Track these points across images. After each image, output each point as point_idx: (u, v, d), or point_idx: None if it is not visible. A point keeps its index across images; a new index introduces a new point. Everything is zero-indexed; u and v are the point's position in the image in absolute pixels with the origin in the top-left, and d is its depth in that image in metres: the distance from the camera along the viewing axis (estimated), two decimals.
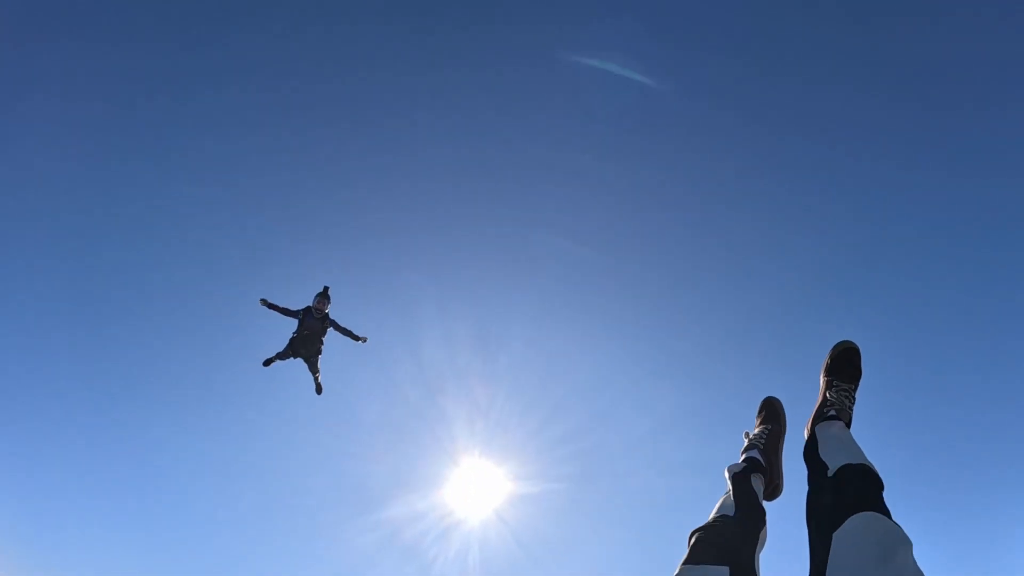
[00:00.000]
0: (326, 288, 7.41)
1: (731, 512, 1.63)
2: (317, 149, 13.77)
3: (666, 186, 14.00)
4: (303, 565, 15.99)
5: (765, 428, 1.96)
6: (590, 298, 14.94)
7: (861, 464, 1.54)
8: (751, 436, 1.98)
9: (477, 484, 13.72)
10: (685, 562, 1.45)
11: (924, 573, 1.20)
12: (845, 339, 1.86)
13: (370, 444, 15.56)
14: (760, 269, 14.08)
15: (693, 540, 1.52)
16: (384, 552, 14.65)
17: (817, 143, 13.35)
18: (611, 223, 14.25)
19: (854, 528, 1.33)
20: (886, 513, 1.36)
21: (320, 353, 7.60)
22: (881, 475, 1.52)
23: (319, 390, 7.85)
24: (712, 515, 1.66)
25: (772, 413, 2.00)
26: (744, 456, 1.89)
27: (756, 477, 1.80)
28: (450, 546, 13.68)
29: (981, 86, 12.10)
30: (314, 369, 7.72)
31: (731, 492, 1.72)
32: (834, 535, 1.33)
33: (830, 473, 1.56)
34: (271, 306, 7.26)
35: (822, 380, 1.91)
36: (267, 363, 7.48)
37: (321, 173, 13.98)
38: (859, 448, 1.65)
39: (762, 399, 2.06)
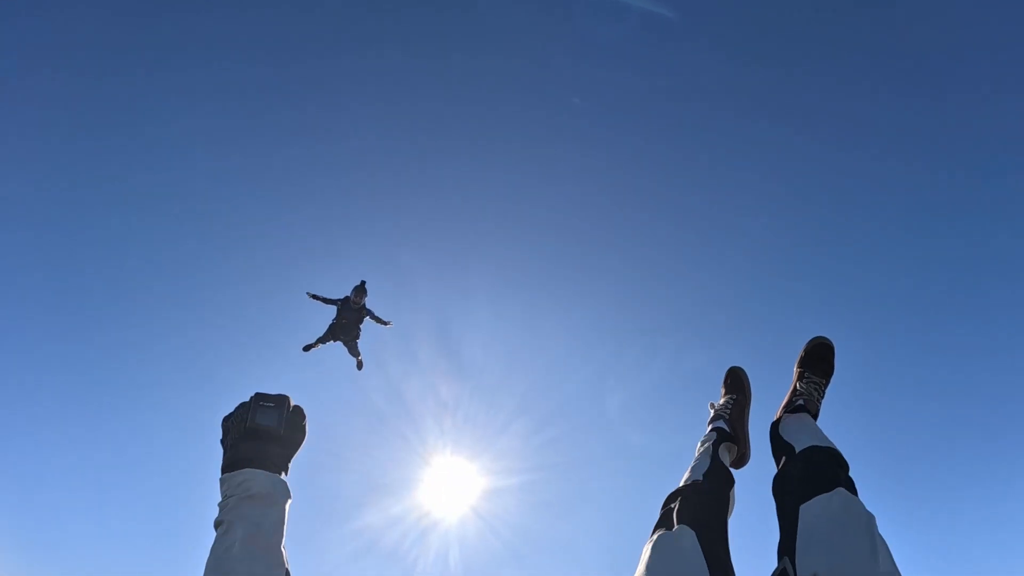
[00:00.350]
0: (363, 283, 8.28)
1: (700, 477, 1.67)
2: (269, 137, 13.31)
3: (627, 173, 14.07)
4: None
5: (731, 398, 2.02)
6: (549, 283, 15.02)
7: (828, 447, 1.62)
8: (717, 406, 2.03)
9: (451, 482, 13.68)
10: (658, 527, 1.49)
11: (887, 545, 1.25)
12: (822, 335, 1.93)
13: (337, 453, 15.29)
14: (727, 250, 14.19)
15: (666, 507, 1.56)
16: (364, 561, 14.46)
17: (789, 130, 13.46)
18: (568, 209, 14.31)
19: (821, 502, 1.38)
20: (850, 488, 1.43)
21: (358, 337, 8.50)
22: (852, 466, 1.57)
23: (360, 366, 8.74)
24: (683, 481, 1.70)
25: (737, 383, 2.05)
26: (711, 426, 1.94)
27: (724, 446, 1.85)
28: (430, 547, 13.60)
29: (948, 74, 12.45)
30: (354, 352, 8.58)
31: (700, 460, 1.77)
32: (801, 507, 1.39)
33: (797, 452, 1.64)
34: (315, 297, 8.16)
35: (795, 371, 1.96)
36: (307, 348, 8.29)
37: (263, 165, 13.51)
38: (825, 435, 1.71)
39: (727, 369, 2.11)
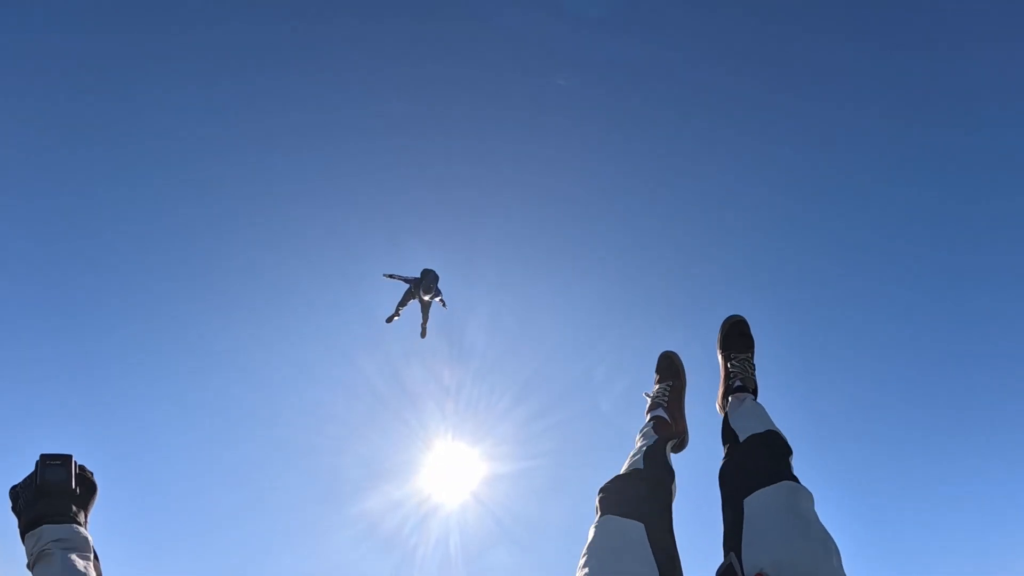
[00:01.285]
0: (436, 280, 9.05)
1: (641, 466, 1.65)
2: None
3: (623, 156, 13.97)
4: (283, 569, 15.76)
5: (666, 385, 2.00)
6: (553, 271, 14.90)
7: (768, 431, 1.61)
8: (652, 394, 2.01)
9: (452, 468, 13.68)
10: (602, 513, 1.45)
11: (829, 532, 1.26)
12: (731, 314, 1.98)
13: (339, 437, 15.35)
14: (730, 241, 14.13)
15: (604, 493, 1.53)
16: (364, 545, 14.53)
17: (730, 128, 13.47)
18: (573, 196, 14.19)
19: (767, 494, 1.37)
20: (792, 478, 1.42)
21: (430, 306, 9.31)
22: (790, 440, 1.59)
23: (423, 334, 9.43)
24: (624, 469, 1.67)
25: (671, 369, 2.06)
26: (650, 416, 1.92)
27: (663, 434, 1.83)
28: (430, 532, 13.65)
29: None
30: (425, 318, 9.33)
31: (639, 450, 1.74)
32: (745, 501, 1.38)
33: (740, 441, 1.63)
34: (392, 276, 8.78)
35: (719, 357, 1.98)
36: (389, 320, 9.00)
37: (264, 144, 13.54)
38: (767, 416, 1.72)
39: (659, 355, 2.11)
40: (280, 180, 14.31)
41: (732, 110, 13.48)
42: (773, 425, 1.64)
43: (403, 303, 9.29)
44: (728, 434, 1.71)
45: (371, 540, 14.44)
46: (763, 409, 1.75)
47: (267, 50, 13.18)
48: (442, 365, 13.71)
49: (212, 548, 16.39)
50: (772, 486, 1.37)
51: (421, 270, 9.05)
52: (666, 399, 1.93)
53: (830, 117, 12.99)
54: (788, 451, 1.53)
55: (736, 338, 1.93)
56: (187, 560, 15.96)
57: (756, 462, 1.49)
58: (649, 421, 1.88)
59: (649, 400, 1.98)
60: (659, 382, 2.03)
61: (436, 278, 9.04)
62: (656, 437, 1.76)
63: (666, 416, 1.88)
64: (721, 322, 1.97)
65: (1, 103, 12.29)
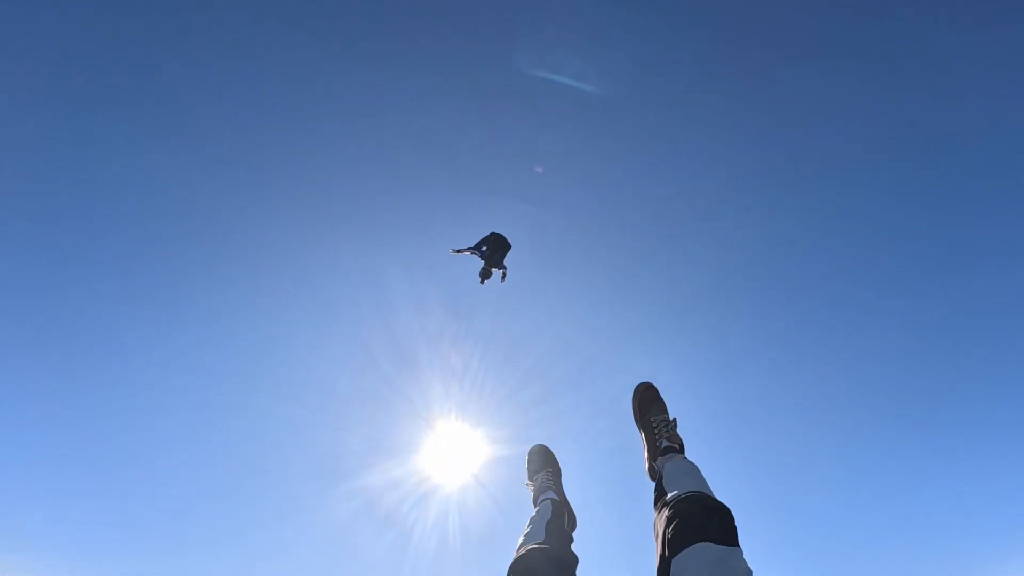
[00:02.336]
0: (505, 247, 8.73)
1: (542, 539, 1.76)
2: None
3: (632, 152, 13.98)
4: (280, 539, 15.86)
5: (548, 471, 2.17)
6: (563, 260, 14.73)
7: (695, 492, 1.62)
8: (536, 482, 2.17)
9: (454, 448, 13.60)
10: None
11: None
12: (638, 383, 2.05)
13: (341, 413, 15.32)
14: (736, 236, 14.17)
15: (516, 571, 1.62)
16: (362, 522, 14.55)
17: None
18: (584, 186, 14.05)
19: (691, 555, 1.41)
20: (720, 538, 1.43)
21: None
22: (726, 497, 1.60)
23: (503, 278, 8.96)
24: (523, 545, 1.74)
25: (546, 459, 2.23)
26: (543, 497, 2.05)
27: (561, 512, 1.96)
28: (429, 512, 13.61)
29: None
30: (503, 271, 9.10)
31: (540, 527, 1.84)
32: (673, 561, 1.43)
33: (669, 500, 1.66)
34: (459, 251, 8.51)
35: (638, 427, 2.03)
36: (457, 251, 8.71)
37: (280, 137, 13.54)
38: (698, 473, 1.76)
39: (528, 451, 2.29)
40: (286, 144, 14.17)
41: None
42: (704, 484, 1.69)
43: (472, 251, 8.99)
44: (660, 495, 1.74)
45: (369, 516, 14.47)
46: (693, 466, 1.78)
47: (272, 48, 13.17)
48: (450, 345, 13.57)
49: (207, 518, 16.54)
50: (696, 545, 1.41)
51: (491, 237, 8.53)
52: (552, 482, 2.07)
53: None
54: (719, 510, 1.52)
55: (650, 402, 2.01)
56: (184, 527, 16.11)
57: (683, 523, 1.51)
58: (544, 502, 1.99)
59: (533, 487, 2.11)
60: (537, 472, 2.17)
61: (504, 253, 8.64)
62: (552, 513, 1.88)
63: (558, 497, 2.01)
64: (632, 394, 2.04)
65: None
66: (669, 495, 1.65)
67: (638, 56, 13.30)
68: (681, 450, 1.89)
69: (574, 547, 1.82)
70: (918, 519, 13.89)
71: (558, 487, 2.09)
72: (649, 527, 1.61)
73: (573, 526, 2.01)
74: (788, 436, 15.12)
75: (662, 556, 1.47)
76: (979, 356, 13.92)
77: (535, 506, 2.00)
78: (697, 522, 1.47)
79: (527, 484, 2.14)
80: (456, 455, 13.70)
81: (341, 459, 15.44)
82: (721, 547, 1.40)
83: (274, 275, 15.00)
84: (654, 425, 1.96)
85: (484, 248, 8.49)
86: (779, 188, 14.34)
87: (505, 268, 8.74)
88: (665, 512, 1.60)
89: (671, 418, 1.97)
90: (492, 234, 8.44)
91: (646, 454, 1.96)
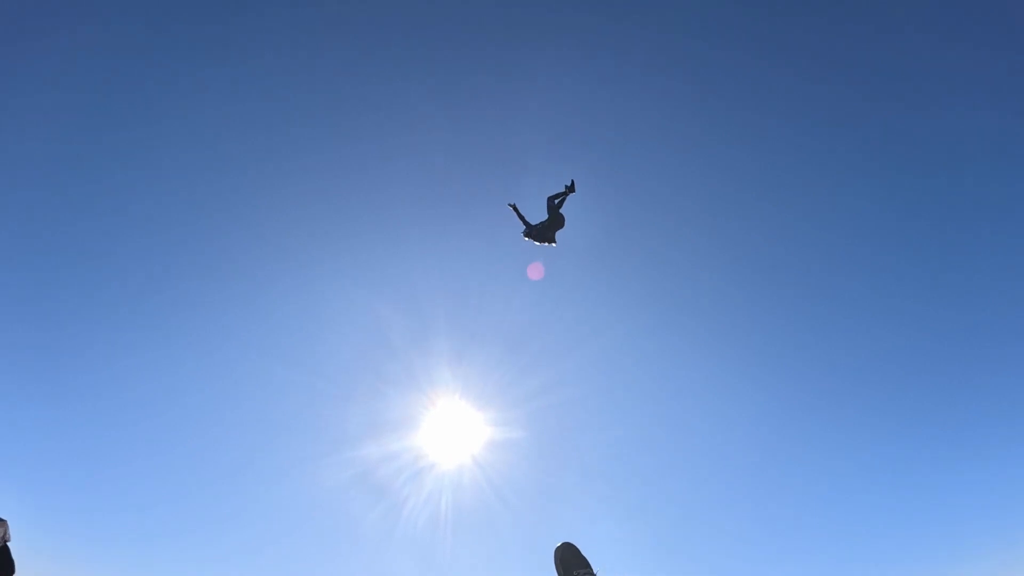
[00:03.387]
0: (556, 227, 9.42)
1: None
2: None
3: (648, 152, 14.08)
4: (274, 500, 15.91)
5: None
6: (579, 257, 14.52)
7: None
8: None
9: (455, 428, 13.50)
10: None
11: None
12: (559, 544, 2.24)
13: (344, 384, 15.25)
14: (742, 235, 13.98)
15: None
16: (355, 490, 14.55)
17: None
18: (597, 183, 13.89)
19: None
20: None
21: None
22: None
23: (552, 241, 9.50)
24: None
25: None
26: None
27: None
28: (423, 488, 13.56)
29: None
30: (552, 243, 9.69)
31: None
32: None
33: None
34: (515, 209, 9.21)
35: None
36: (513, 205, 9.26)
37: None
38: None
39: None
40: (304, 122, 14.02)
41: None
42: None
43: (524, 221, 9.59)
44: None
45: (362, 486, 14.45)
46: None
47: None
48: (458, 325, 13.42)
49: (205, 468, 16.62)
50: None
51: (546, 224, 9.20)
52: None
53: None
54: None
55: (572, 558, 2.20)
56: (183, 476, 16.19)
57: None
58: None
59: None
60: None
61: (556, 231, 9.21)
62: None
63: None
64: (554, 555, 2.23)
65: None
66: None
67: None
68: None
69: None
70: (918, 518, 13.91)
71: None
72: None
73: None
74: (786, 436, 14.88)
75: None
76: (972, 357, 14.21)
77: None
78: None
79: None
80: (456, 435, 13.62)
81: (340, 428, 15.44)
82: None
83: (291, 239, 14.90)
84: None
85: (531, 226, 9.11)
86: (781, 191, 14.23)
87: (555, 242, 9.32)
88: None
89: (593, 572, 2.18)
90: (558, 216, 9.13)
91: None
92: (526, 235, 9.40)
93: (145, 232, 15.02)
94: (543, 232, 9.35)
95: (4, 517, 3.03)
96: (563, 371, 14.16)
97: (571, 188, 9.37)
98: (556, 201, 9.38)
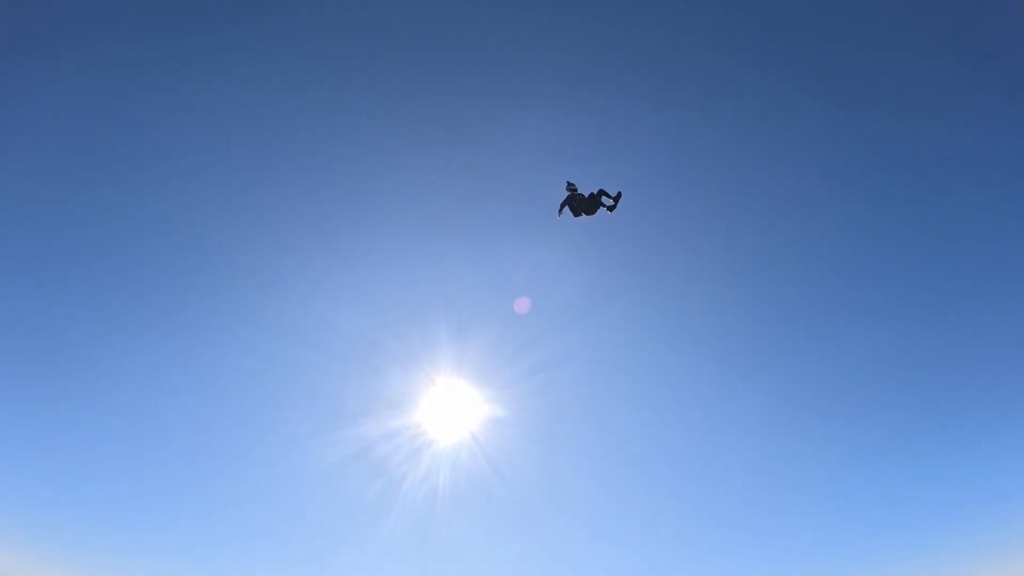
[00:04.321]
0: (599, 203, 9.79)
1: None
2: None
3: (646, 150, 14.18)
4: (271, 474, 16.01)
5: None
6: (580, 240, 14.46)
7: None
8: None
9: (454, 405, 13.52)
10: None
11: None
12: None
13: (345, 360, 15.23)
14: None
15: None
16: (353, 466, 14.63)
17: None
18: (607, 174, 13.88)
19: None
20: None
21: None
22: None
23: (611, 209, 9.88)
24: None
25: None
26: None
27: None
28: (421, 464, 13.63)
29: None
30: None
31: None
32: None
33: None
34: (571, 187, 9.58)
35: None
36: (571, 185, 9.60)
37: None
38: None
39: None
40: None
41: None
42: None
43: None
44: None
45: (361, 462, 14.52)
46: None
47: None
48: (459, 303, 13.36)
49: (205, 447, 16.71)
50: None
51: (588, 200, 9.60)
52: None
53: None
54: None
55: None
56: (182, 454, 16.28)
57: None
58: None
59: None
60: None
61: (583, 213, 9.60)
62: None
63: None
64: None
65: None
66: None
67: None
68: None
69: None
70: (917, 518, 14.11)
71: None
72: None
73: None
74: (788, 435, 14.96)
75: None
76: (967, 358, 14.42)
77: None
78: None
79: None
80: (456, 413, 13.65)
81: (340, 404, 15.47)
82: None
83: (300, 221, 14.79)
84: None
85: (585, 196, 9.51)
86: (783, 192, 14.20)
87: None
88: None
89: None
90: (594, 206, 9.61)
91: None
92: (568, 195, 9.66)
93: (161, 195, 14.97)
94: (583, 202, 9.64)
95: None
96: (561, 350, 14.12)
97: (617, 200, 9.65)
98: (601, 198, 9.64)
